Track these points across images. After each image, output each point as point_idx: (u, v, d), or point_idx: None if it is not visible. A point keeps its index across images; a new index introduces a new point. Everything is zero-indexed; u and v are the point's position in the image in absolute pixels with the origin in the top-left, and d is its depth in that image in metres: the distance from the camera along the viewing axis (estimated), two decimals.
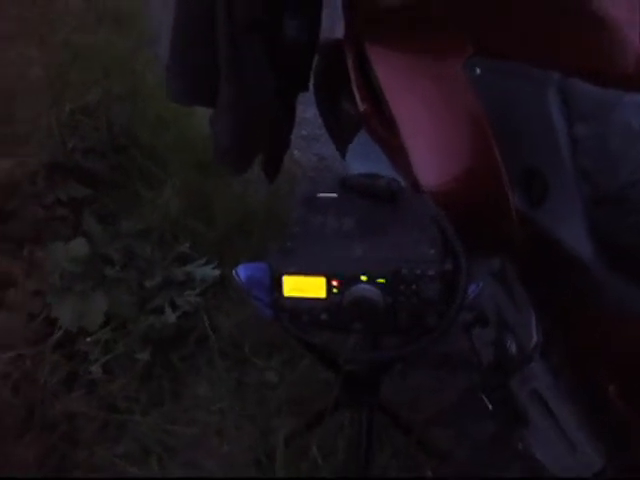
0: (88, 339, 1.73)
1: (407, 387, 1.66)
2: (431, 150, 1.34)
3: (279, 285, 1.04)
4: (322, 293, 1.03)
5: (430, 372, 1.68)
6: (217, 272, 1.95)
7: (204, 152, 2.19)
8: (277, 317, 1.06)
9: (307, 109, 2.45)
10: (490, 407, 1.41)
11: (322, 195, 1.24)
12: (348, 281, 1.02)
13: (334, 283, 1.02)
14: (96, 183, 2.08)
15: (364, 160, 1.58)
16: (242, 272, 1.14)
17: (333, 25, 1.89)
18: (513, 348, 1.34)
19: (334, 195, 1.24)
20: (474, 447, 1.52)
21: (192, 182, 2.17)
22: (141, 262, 1.92)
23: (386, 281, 1.02)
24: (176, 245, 2.01)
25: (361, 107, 1.56)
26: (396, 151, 1.41)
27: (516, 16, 1.26)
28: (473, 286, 1.10)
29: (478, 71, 1.29)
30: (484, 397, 1.41)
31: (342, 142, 2.21)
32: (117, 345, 1.74)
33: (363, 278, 1.01)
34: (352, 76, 1.58)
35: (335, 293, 1.03)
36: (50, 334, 1.74)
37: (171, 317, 1.81)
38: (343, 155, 2.26)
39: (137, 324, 1.79)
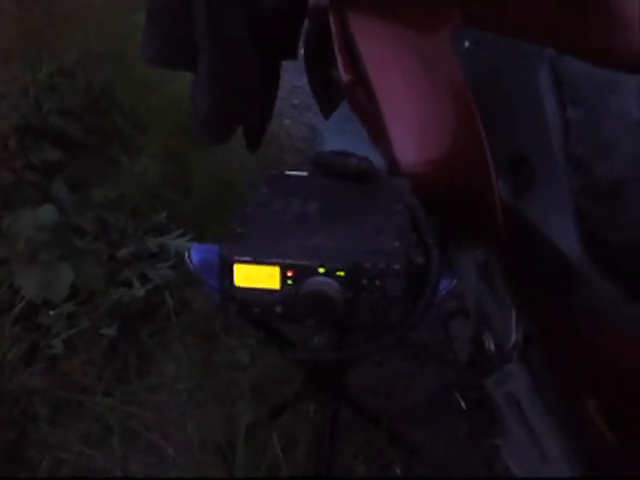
0: (51, 312, 1.65)
1: (380, 376, 1.57)
2: (411, 127, 1.25)
3: (230, 274, 0.94)
4: (276, 284, 0.94)
5: (405, 362, 1.59)
6: (192, 244, 1.86)
7: (189, 118, 2.09)
8: (225, 308, 0.97)
9: (300, 77, 2.35)
10: (464, 406, 1.33)
11: (290, 173, 1.14)
12: (304, 272, 0.93)
13: (289, 274, 0.93)
14: (71, 147, 1.98)
15: (342, 135, 1.48)
16: (195, 254, 1.06)
17: None
18: (491, 346, 1.26)
19: (303, 174, 1.14)
20: (445, 444, 1.44)
21: (173, 149, 2.07)
22: (113, 232, 1.83)
23: (346, 274, 0.92)
24: (152, 215, 1.92)
25: (344, 77, 1.46)
26: (377, 127, 1.32)
27: None
28: (446, 281, 1.01)
29: (467, 44, 1.18)
30: (458, 395, 1.33)
31: (330, 112, 2.12)
32: (82, 319, 1.66)
33: (320, 270, 0.92)
34: (336, 45, 1.48)
35: (290, 285, 0.93)
36: (12, 305, 1.65)
37: (139, 291, 1.73)
38: (327, 119, 2.16)
39: (105, 297, 1.70)
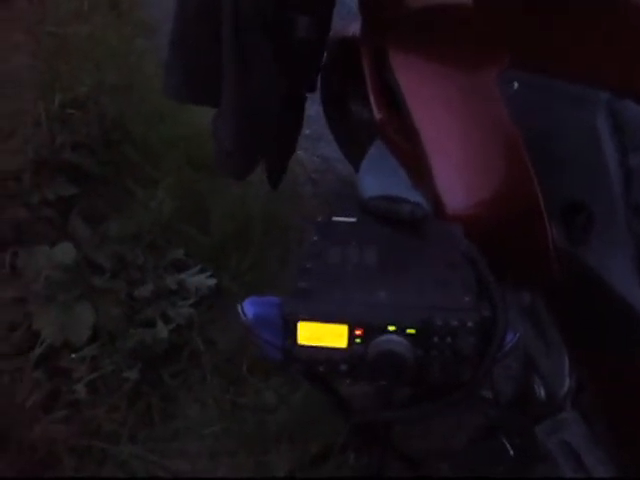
0: (73, 355, 1.59)
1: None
2: (458, 170, 1.21)
3: (293, 331, 0.90)
4: (343, 343, 0.90)
5: None
6: (213, 281, 1.82)
7: (201, 149, 2.06)
8: (288, 366, 0.93)
9: (311, 106, 2.31)
10: (511, 451, 1.29)
11: (339, 220, 1.10)
12: (373, 330, 0.89)
13: (357, 332, 0.89)
14: (85, 181, 1.94)
15: (379, 175, 1.45)
16: (249, 308, 1.01)
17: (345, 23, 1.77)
18: (541, 393, 1.22)
19: (352, 220, 1.11)
20: None
21: (187, 182, 2.03)
22: (132, 270, 1.78)
23: (417, 332, 0.89)
24: (169, 251, 1.87)
25: (377, 115, 1.43)
26: (416, 166, 1.29)
27: (560, 26, 1.13)
28: (510, 335, 0.97)
29: (515, 86, 1.16)
30: (505, 441, 1.29)
31: (349, 145, 2.09)
32: (104, 362, 1.61)
33: (391, 328, 0.89)
34: (368, 80, 1.45)
35: (358, 343, 0.90)
36: (31, 348, 1.60)
37: (163, 331, 1.68)
38: (347, 157, 2.13)
39: (126, 339, 1.65)
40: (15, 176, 1.84)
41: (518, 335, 0.99)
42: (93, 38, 2.20)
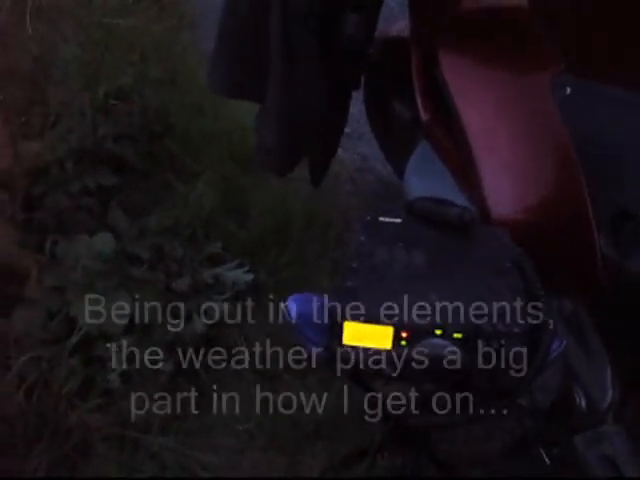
0: (108, 345, 1.60)
1: None
2: (505, 174, 1.20)
3: (338, 331, 0.90)
4: (388, 344, 0.90)
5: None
6: (250, 277, 1.82)
7: (243, 144, 2.06)
8: (331, 365, 0.93)
9: (353, 105, 2.30)
10: (547, 461, 1.28)
11: (385, 220, 1.09)
12: (419, 333, 0.88)
13: (403, 334, 0.89)
14: (126, 172, 1.95)
15: (425, 176, 1.44)
16: (293, 305, 1.01)
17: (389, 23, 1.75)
18: (582, 403, 1.20)
19: (398, 221, 1.10)
20: None
21: (228, 176, 2.03)
22: (170, 262, 1.78)
23: (463, 337, 0.88)
24: (207, 245, 1.87)
25: (424, 116, 1.42)
26: (462, 169, 1.28)
27: (615, 32, 1.11)
28: (556, 343, 0.96)
29: (568, 91, 1.15)
30: (542, 449, 1.28)
31: (390, 145, 2.08)
32: (139, 353, 1.61)
33: (437, 332, 0.88)
34: (416, 81, 1.44)
35: (403, 345, 0.89)
36: (68, 335, 1.61)
37: (200, 325, 1.68)
38: (387, 156, 2.12)
39: (162, 331, 1.65)
40: (58, 164, 1.85)
41: (564, 343, 0.98)
42: (137, 30, 2.21)
